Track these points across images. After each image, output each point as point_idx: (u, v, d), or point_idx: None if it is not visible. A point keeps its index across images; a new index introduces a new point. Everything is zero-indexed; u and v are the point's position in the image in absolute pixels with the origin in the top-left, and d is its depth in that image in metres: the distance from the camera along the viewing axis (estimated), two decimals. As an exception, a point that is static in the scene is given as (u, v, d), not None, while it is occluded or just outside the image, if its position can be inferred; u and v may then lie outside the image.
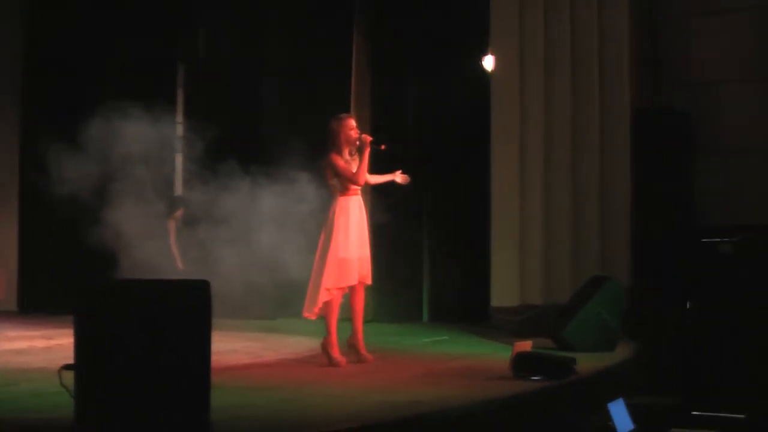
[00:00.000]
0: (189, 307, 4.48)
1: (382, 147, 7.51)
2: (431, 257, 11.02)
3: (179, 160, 12.02)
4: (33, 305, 11.64)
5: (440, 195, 10.94)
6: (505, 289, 9.74)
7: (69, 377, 4.37)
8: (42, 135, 10.17)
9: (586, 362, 7.19)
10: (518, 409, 5.86)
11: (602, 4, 9.54)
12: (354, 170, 7.37)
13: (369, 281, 7.56)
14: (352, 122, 7.53)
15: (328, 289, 7.29)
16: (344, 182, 7.37)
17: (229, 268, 10.36)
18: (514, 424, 5.77)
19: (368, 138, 7.50)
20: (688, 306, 8.76)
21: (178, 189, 12.26)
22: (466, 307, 10.52)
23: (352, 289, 7.47)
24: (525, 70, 9.74)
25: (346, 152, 7.44)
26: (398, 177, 7.76)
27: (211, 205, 9.67)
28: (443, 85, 10.63)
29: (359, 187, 7.46)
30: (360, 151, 7.46)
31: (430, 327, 10.37)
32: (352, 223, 7.35)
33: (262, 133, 11.55)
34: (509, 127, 9.77)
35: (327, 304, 7.32)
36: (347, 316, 7.63)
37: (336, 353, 7.31)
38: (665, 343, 8.40)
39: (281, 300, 10.03)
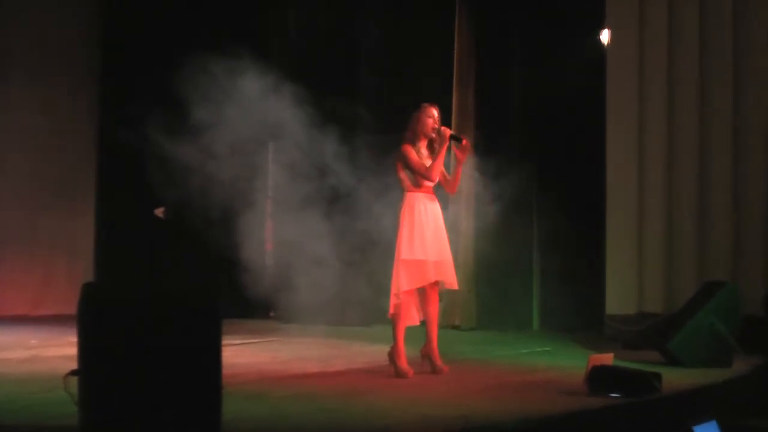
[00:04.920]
0: (196, 315, 4.80)
1: (464, 141, 7.80)
2: (542, 258, 11.21)
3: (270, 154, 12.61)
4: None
5: (550, 187, 11.09)
6: (621, 295, 9.81)
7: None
8: (119, 125, 10.91)
9: (686, 379, 7.29)
10: (575, 430, 6.10)
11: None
12: (427, 165, 7.62)
13: (455, 286, 7.76)
14: (433, 111, 7.72)
15: (396, 295, 7.55)
16: (416, 177, 7.65)
17: (323, 274, 10.89)
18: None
19: (447, 131, 7.70)
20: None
21: (270, 180, 12.87)
22: (580, 314, 10.63)
23: (423, 292, 7.69)
24: (644, 42, 9.73)
25: (423, 145, 7.69)
26: (461, 150, 7.79)
27: (304, 202, 10.17)
28: (552, 63, 10.76)
29: (432, 184, 7.67)
30: (438, 145, 7.68)
31: (538, 336, 10.56)
32: (423, 222, 7.56)
33: (364, 122, 12.00)
34: (627, 108, 9.83)
35: (396, 309, 7.58)
36: (445, 323, 7.86)
37: (402, 363, 7.50)
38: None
39: (377, 306, 10.47)
